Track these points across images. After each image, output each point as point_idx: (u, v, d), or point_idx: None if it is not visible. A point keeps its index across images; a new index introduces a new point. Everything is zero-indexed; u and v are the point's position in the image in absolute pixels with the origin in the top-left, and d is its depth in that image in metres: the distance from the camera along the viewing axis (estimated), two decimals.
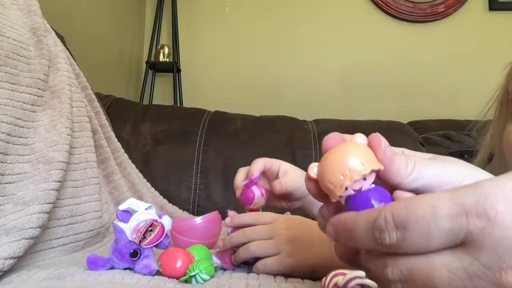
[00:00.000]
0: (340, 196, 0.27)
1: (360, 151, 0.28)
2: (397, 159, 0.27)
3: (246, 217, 0.55)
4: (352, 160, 0.27)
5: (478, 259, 0.20)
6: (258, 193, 0.59)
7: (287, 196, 0.65)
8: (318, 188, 0.29)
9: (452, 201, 0.21)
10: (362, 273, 0.26)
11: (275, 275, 0.49)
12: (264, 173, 0.67)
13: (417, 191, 0.27)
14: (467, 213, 0.21)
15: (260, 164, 0.66)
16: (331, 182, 0.27)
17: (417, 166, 0.27)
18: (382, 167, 0.27)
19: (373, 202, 0.26)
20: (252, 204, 0.58)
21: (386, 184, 0.27)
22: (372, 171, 0.27)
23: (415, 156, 0.29)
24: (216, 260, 0.53)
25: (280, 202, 0.67)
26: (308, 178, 0.29)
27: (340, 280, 0.27)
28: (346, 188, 0.26)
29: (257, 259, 0.51)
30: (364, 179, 0.27)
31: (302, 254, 0.49)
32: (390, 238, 0.22)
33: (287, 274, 0.49)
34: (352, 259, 0.29)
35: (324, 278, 0.28)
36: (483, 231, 0.20)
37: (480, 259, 0.20)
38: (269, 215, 0.55)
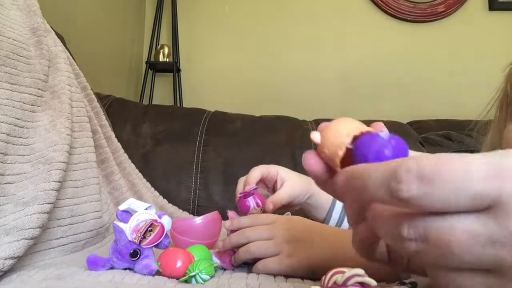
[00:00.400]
0: (342, 161, 0.28)
1: (354, 121, 0.29)
2: None
3: (245, 220, 0.55)
4: (349, 123, 0.28)
5: (504, 225, 0.19)
6: (253, 204, 0.61)
7: (285, 205, 0.66)
8: (320, 163, 0.29)
9: (488, 162, 0.20)
10: (361, 271, 0.26)
11: (275, 275, 0.49)
12: (262, 181, 0.68)
13: None
14: (502, 176, 0.19)
15: (256, 174, 0.66)
16: (333, 144, 0.28)
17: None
18: (374, 130, 0.27)
19: (383, 148, 0.26)
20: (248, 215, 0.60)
21: None
22: (368, 132, 0.28)
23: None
24: (216, 260, 0.53)
25: (279, 208, 0.67)
26: (308, 158, 0.30)
27: (339, 278, 0.27)
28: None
29: (257, 259, 0.51)
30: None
31: (303, 254, 0.49)
32: (409, 191, 0.20)
33: (287, 274, 0.49)
34: (368, 250, 0.28)
35: (323, 277, 0.28)
36: (510, 195, 0.19)
37: (508, 225, 0.19)
38: (269, 217, 0.55)
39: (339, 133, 0.28)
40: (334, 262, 0.30)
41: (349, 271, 0.27)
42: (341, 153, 0.27)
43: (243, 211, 0.61)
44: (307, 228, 0.52)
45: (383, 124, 0.29)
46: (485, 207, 0.19)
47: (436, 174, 0.20)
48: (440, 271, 0.21)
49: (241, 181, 0.68)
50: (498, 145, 0.55)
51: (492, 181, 0.19)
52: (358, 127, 0.28)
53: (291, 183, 0.66)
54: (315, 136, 0.29)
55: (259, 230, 0.52)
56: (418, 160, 0.20)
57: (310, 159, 0.29)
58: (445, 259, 0.20)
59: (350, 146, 0.27)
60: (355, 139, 0.27)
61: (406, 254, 0.25)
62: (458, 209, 0.20)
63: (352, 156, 0.27)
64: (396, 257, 0.31)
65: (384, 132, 0.26)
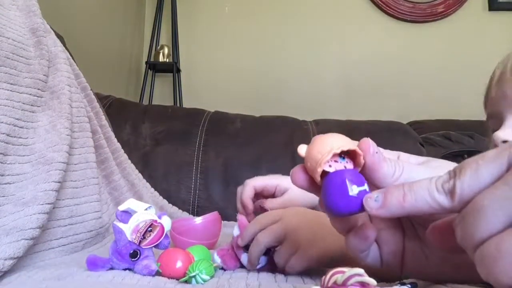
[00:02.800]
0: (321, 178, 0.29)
1: (342, 138, 0.30)
2: (385, 164, 0.28)
3: (252, 227, 0.52)
4: (333, 141, 0.29)
5: None
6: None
7: None
8: (306, 176, 0.31)
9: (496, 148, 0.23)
10: (361, 270, 0.26)
11: (275, 275, 0.49)
12: (260, 193, 0.66)
13: None
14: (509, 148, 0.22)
15: (248, 192, 0.66)
16: (314, 159, 0.29)
17: (405, 172, 0.28)
18: (359, 151, 0.29)
19: (347, 181, 0.28)
20: None
21: (374, 188, 0.29)
22: (350, 150, 0.29)
23: (408, 160, 0.31)
24: (217, 260, 0.52)
25: None
26: (295, 171, 0.31)
27: (339, 278, 0.27)
28: (326, 167, 0.29)
29: (274, 266, 0.50)
30: (344, 166, 0.29)
31: (321, 243, 0.48)
32: (456, 184, 0.23)
33: (312, 267, 0.48)
34: (361, 256, 0.29)
35: (324, 277, 0.28)
36: None
37: None
38: (276, 213, 0.53)
39: (321, 150, 0.29)
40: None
41: (349, 271, 0.27)
42: (319, 169, 0.28)
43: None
44: (317, 218, 0.51)
45: (369, 141, 0.29)
46: (505, 169, 0.22)
47: (461, 166, 0.24)
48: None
49: (238, 193, 0.67)
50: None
51: (502, 150, 0.22)
52: (341, 145, 0.29)
53: (293, 194, 0.65)
54: (301, 149, 0.31)
55: (267, 214, 0.52)
56: (456, 167, 0.24)
57: (296, 173, 0.31)
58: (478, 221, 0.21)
59: (326, 169, 0.28)
60: (336, 155, 0.29)
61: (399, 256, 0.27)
62: (485, 183, 0.22)
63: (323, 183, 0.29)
64: (389, 260, 0.31)
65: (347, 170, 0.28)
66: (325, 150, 0.28)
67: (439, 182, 0.24)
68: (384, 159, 0.29)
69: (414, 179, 0.27)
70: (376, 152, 0.28)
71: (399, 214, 0.26)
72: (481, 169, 0.23)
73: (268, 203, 0.62)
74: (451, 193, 0.23)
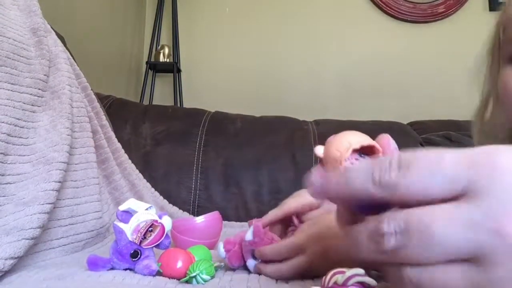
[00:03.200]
0: None
1: (359, 134, 0.29)
2: None
3: (274, 253, 0.49)
4: (350, 137, 0.29)
5: (479, 207, 0.19)
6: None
7: None
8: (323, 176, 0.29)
9: (458, 152, 0.21)
10: (361, 270, 0.27)
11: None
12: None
13: None
14: (471, 162, 0.20)
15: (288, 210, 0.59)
16: (333, 157, 0.28)
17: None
18: (378, 146, 0.28)
19: None
20: None
21: None
22: (369, 146, 0.28)
23: None
24: (222, 252, 0.51)
25: None
26: (314, 174, 0.29)
27: (339, 278, 0.27)
28: (347, 164, 0.27)
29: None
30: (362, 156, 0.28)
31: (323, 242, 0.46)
32: (390, 176, 0.21)
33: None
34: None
35: (324, 277, 0.29)
36: (488, 178, 0.20)
37: (483, 207, 0.19)
38: (300, 240, 0.48)
39: (339, 147, 0.28)
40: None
41: (349, 271, 0.27)
42: (341, 167, 0.27)
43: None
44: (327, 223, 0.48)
45: (389, 137, 0.29)
46: (462, 191, 0.20)
47: (412, 160, 0.21)
48: (420, 272, 0.21)
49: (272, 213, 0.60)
50: (492, 92, 0.56)
51: (464, 166, 0.20)
52: (359, 141, 0.28)
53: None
54: (318, 150, 0.30)
55: (290, 249, 0.48)
56: (400, 153, 0.22)
57: (316, 176, 0.29)
58: (426, 248, 0.20)
59: (347, 163, 0.27)
60: (355, 152, 0.28)
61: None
62: (436, 195, 0.20)
63: None
64: None
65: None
66: (344, 147, 0.28)
67: (377, 172, 0.22)
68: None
69: None
70: (396, 148, 0.28)
71: (334, 198, 0.25)
72: (435, 176, 0.21)
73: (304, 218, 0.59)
74: (389, 189, 0.21)
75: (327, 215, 0.50)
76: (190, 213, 1.05)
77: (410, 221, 0.20)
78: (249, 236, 0.51)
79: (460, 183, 0.20)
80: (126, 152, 0.96)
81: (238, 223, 0.99)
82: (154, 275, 0.47)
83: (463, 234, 0.19)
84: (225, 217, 0.71)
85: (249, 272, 0.52)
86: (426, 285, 0.20)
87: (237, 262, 0.52)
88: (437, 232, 0.20)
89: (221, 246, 0.52)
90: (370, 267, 0.29)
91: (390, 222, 0.21)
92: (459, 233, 0.19)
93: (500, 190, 0.19)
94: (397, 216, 0.21)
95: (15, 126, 0.57)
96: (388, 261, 0.21)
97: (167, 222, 0.49)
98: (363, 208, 0.24)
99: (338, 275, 0.28)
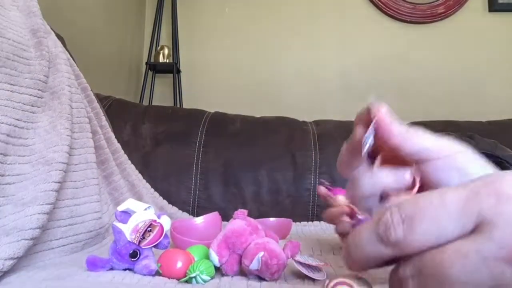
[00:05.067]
0: None
1: None
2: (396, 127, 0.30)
3: None
4: None
5: (491, 238, 0.19)
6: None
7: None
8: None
9: (460, 186, 0.21)
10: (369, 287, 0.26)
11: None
12: None
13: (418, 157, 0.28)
14: (477, 194, 0.20)
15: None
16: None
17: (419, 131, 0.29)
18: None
19: None
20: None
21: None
22: None
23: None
24: (215, 259, 0.49)
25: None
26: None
27: None
28: None
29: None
30: None
31: None
32: (396, 233, 0.21)
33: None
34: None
35: (326, 282, 0.27)
36: (495, 208, 0.19)
37: (494, 238, 0.19)
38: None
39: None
40: None
41: (356, 287, 0.26)
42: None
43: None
44: None
45: (383, 117, 0.30)
46: (474, 226, 0.20)
47: (414, 212, 0.21)
48: None
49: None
50: None
51: (468, 200, 0.20)
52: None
53: None
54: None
55: None
56: (399, 204, 0.22)
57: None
58: (444, 286, 0.20)
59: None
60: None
61: None
62: (448, 237, 0.20)
63: None
64: None
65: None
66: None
67: (383, 232, 0.22)
68: (399, 127, 0.30)
69: (425, 140, 0.28)
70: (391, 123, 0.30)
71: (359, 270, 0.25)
72: (442, 223, 0.20)
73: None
74: (399, 246, 0.21)
75: None
76: (189, 214, 1.05)
77: (423, 263, 0.20)
78: (254, 266, 0.47)
79: (469, 219, 0.20)
80: (125, 152, 0.96)
81: None
82: (153, 275, 0.47)
83: (476, 267, 0.19)
84: (225, 217, 0.71)
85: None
86: None
87: (233, 271, 0.50)
88: (450, 271, 0.19)
89: (213, 254, 0.48)
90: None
91: (406, 268, 0.21)
92: (473, 267, 0.19)
93: (508, 218, 0.19)
94: (411, 262, 0.21)
95: (15, 126, 0.58)
96: None
97: (165, 222, 0.49)
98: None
99: (342, 286, 0.26)
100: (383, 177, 0.30)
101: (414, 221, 0.20)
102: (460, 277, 0.19)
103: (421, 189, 0.29)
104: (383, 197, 0.30)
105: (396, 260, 0.23)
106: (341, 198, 0.60)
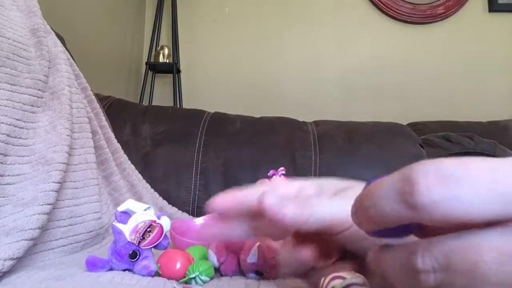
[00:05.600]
0: None
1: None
2: (288, 214, 0.26)
3: None
4: None
5: None
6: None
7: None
8: None
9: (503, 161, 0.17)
10: (361, 279, 0.26)
11: None
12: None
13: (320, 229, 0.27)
14: None
15: None
16: None
17: (316, 212, 0.27)
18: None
19: None
20: None
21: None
22: None
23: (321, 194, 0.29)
24: (215, 263, 0.50)
25: None
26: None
27: (337, 284, 0.27)
28: None
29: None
30: None
31: None
32: (429, 193, 0.17)
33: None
34: None
35: (322, 279, 0.28)
36: None
37: None
38: None
39: None
40: None
41: (349, 278, 0.26)
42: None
43: None
44: None
45: (267, 206, 0.28)
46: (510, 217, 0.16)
47: (463, 172, 0.16)
48: None
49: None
50: None
51: None
52: None
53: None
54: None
55: None
56: (437, 162, 0.17)
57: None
58: (476, 286, 0.16)
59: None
60: None
61: None
62: (483, 217, 0.16)
63: None
64: None
65: None
66: None
67: (404, 186, 0.17)
68: (284, 210, 0.26)
69: (324, 214, 0.26)
70: (277, 212, 0.26)
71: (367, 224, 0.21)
72: (480, 197, 0.16)
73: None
74: (416, 208, 0.17)
75: None
76: (189, 214, 1.05)
77: (452, 258, 0.17)
78: (251, 258, 0.47)
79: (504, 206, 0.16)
80: (125, 152, 0.96)
81: None
82: (152, 276, 0.47)
83: None
84: None
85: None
86: None
87: (232, 272, 0.50)
88: (485, 268, 0.16)
89: (212, 254, 0.50)
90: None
91: (425, 257, 0.17)
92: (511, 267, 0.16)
93: None
94: (434, 250, 0.17)
95: (15, 126, 0.57)
96: None
97: (165, 222, 0.49)
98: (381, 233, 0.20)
99: (337, 280, 0.27)
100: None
101: (457, 185, 0.16)
102: (494, 278, 0.16)
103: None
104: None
105: (409, 230, 0.19)
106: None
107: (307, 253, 0.29)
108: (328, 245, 0.30)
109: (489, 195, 0.16)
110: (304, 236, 0.30)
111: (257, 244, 0.47)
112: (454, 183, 0.16)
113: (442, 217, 0.17)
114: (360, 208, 0.20)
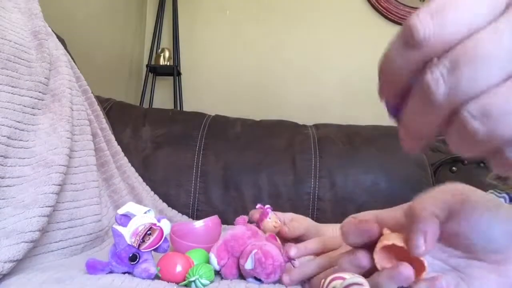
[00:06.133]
0: None
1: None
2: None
3: (312, 245, 0.44)
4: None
5: None
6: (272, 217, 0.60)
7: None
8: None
9: None
10: (361, 279, 0.26)
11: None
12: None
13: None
14: None
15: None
16: None
17: None
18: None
19: None
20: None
21: None
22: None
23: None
24: (216, 266, 0.50)
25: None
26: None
27: (338, 284, 0.27)
28: None
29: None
30: None
31: None
32: (425, 29, 0.18)
33: None
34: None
35: (322, 281, 0.28)
36: None
37: None
38: (336, 240, 0.43)
39: None
40: None
41: (350, 279, 0.27)
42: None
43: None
44: None
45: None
46: (503, 8, 0.18)
47: (446, 1, 0.18)
48: (482, 101, 0.18)
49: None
50: None
51: None
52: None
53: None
54: None
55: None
56: (425, 5, 0.19)
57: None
58: (481, 74, 0.18)
59: None
60: None
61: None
62: (478, 25, 0.18)
63: None
64: None
65: None
66: None
67: (405, 31, 0.20)
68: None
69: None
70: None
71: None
72: (475, 10, 0.18)
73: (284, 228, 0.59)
74: (421, 44, 0.19)
75: None
76: (189, 217, 1.05)
77: (456, 55, 0.18)
78: (249, 265, 0.47)
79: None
80: (125, 155, 0.96)
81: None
82: (152, 279, 0.47)
83: None
84: (225, 221, 0.71)
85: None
86: (492, 111, 0.18)
87: (232, 275, 0.50)
88: (487, 51, 0.17)
89: (213, 257, 0.50)
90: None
91: (433, 69, 0.19)
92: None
93: None
94: (441, 59, 0.19)
95: (15, 129, 0.58)
96: (446, 111, 0.19)
97: (165, 225, 0.49)
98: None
99: (337, 280, 0.27)
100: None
101: (444, 11, 0.18)
102: (499, 53, 0.17)
103: None
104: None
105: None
106: (269, 223, 0.60)
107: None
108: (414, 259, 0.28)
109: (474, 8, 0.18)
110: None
111: (254, 251, 0.47)
112: (441, 12, 0.18)
113: (441, 43, 0.18)
114: (380, 73, 0.23)
